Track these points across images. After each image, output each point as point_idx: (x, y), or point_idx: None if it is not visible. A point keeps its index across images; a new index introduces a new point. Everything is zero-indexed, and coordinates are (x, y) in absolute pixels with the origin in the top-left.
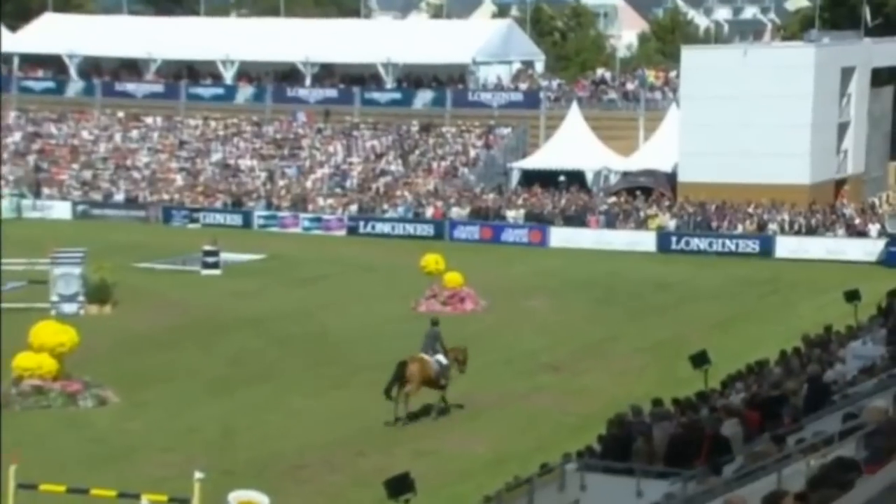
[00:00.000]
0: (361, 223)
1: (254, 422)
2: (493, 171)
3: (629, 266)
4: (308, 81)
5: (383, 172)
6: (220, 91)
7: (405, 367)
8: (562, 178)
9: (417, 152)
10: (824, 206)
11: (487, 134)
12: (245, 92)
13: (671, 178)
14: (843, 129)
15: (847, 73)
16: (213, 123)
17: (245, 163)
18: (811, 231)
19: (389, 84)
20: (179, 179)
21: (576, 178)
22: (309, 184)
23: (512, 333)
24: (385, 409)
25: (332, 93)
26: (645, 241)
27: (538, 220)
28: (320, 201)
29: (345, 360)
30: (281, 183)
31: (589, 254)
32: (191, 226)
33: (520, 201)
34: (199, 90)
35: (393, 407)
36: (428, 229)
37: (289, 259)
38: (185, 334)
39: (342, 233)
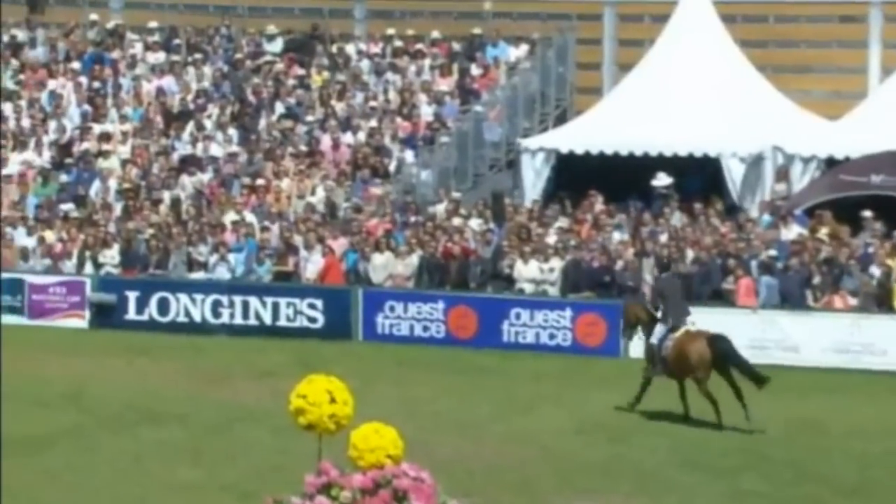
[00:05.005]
0: (134, 294)
1: None
2: (478, 155)
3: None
4: None
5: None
6: None
7: (691, 345)
8: (661, 176)
9: (267, 118)
10: None
11: (466, 58)
12: None
13: None
14: None
15: None
16: None
17: None
18: None
19: None
20: None
21: (697, 172)
22: None
23: None
24: None
25: None
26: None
27: (597, 286)
28: None
29: None
30: None
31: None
32: None
33: (551, 238)
34: None
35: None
36: (310, 311)
37: None
38: None
39: (80, 322)
